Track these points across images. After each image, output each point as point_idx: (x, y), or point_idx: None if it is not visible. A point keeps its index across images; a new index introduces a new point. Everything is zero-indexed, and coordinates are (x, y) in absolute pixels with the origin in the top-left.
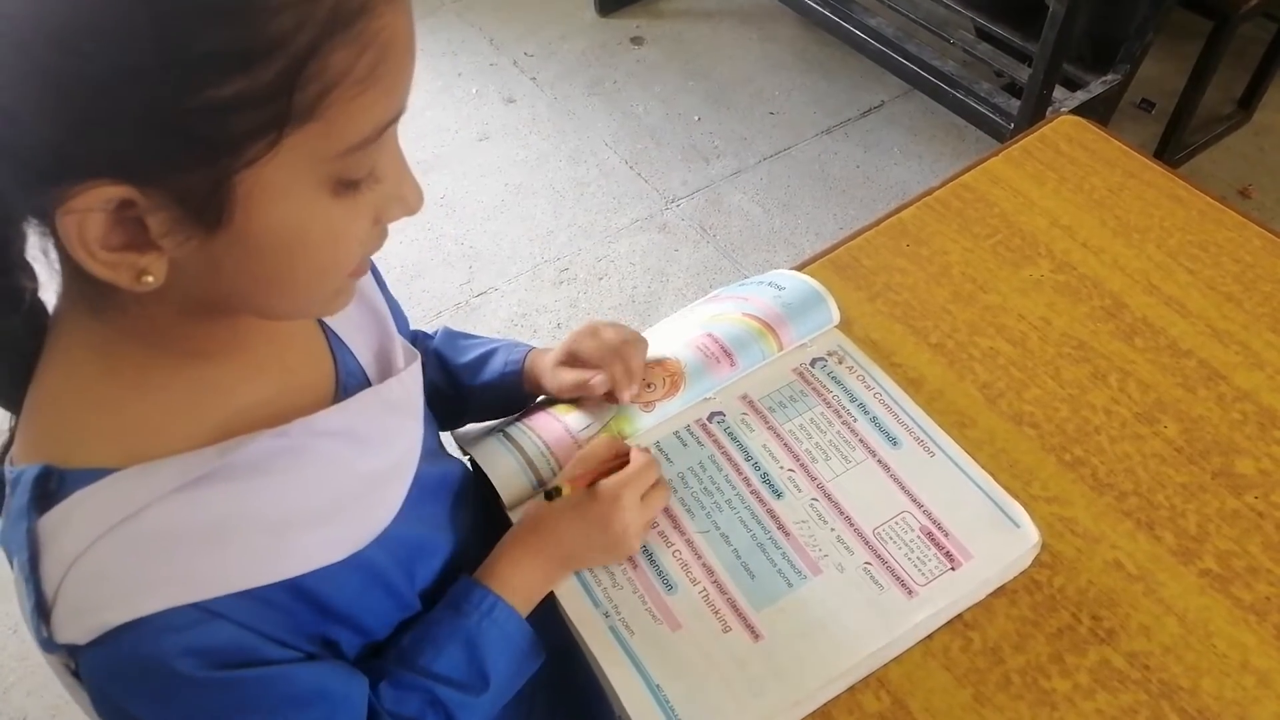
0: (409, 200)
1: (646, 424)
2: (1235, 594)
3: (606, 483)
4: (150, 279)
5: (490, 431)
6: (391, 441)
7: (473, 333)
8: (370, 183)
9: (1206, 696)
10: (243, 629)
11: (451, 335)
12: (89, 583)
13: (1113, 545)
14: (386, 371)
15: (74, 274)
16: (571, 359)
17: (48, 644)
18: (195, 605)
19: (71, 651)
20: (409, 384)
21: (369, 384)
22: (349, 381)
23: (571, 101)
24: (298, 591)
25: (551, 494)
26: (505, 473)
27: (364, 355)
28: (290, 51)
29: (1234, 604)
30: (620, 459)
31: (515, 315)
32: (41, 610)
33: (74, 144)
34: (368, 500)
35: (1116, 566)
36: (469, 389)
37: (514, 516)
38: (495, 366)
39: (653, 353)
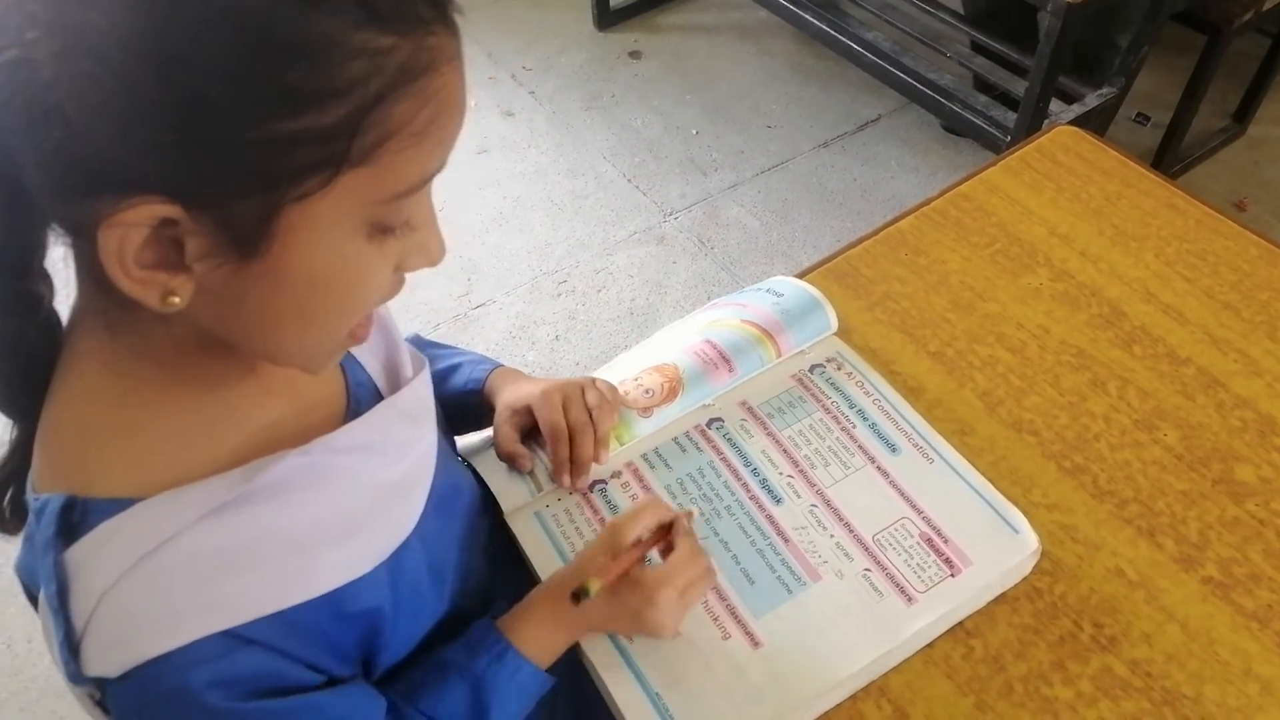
0: (432, 251)
1: (645, 430)
2: (1237, 601)
3: (646, 575)
4: (177, 300)
5: (489, 441)
6: (409, 450)
7: (440, 342)
8: (404, 230)
9: (1210, 704)
10: (271, 653)
11: (419, 344)
12: (120, 617)
13: (1114, 552)
14: (395, 381)
15: (95, 290)
16: (528, 414)
17: (76, 677)
18: (226, 633)
19: (99, 683)
20: (420, 392)
21: (379, 395)
22: (360, 393)
23: (570, 115)
24: (327, 607)
25: (579, 594)
26: (504, 480)
27: (372, 366)
28: (358, 97)
29: (1236, 611)
30: (661, 532)
31: (513, 327)
32: (70, 643)
33: (135, 159)
34: (390, 510)
35: (1118, 574)
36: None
37: (513, 524)
38: (457, 382)
39: (651, 359)
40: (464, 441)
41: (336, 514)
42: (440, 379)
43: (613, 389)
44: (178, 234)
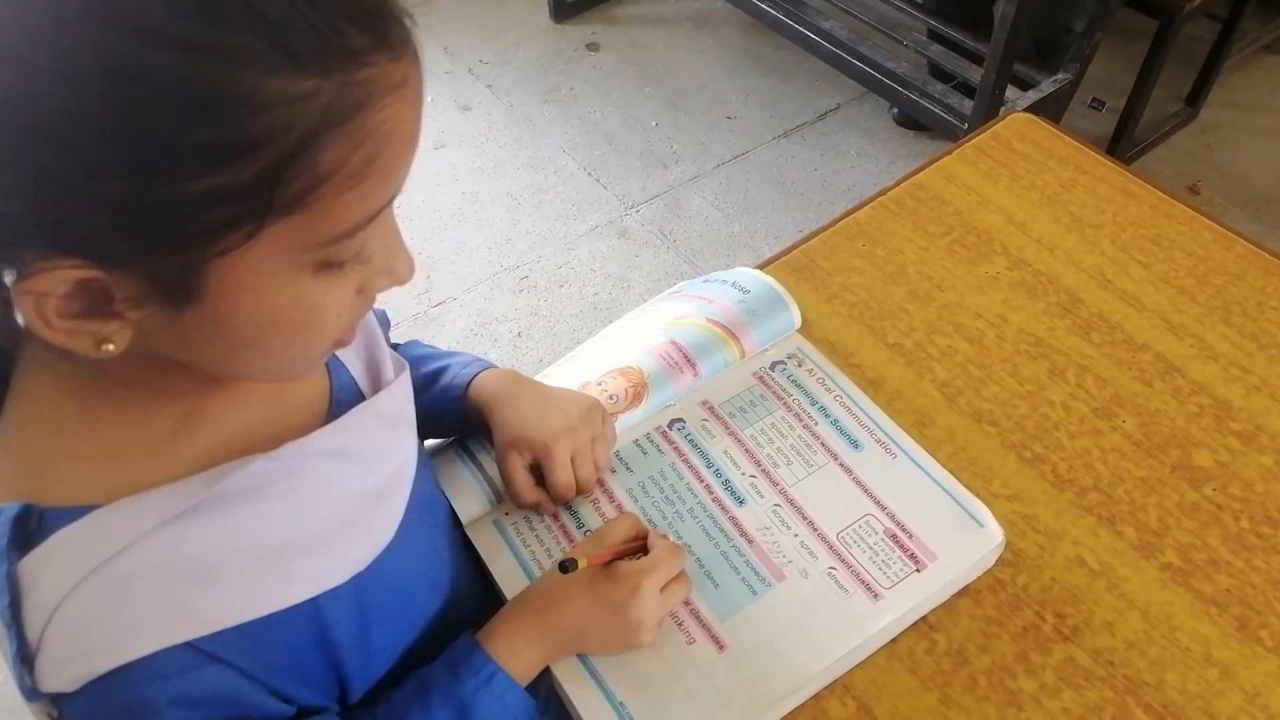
0: (399, 273)
1: None
2: (1196, 587)
3: (628, 567)
4: (111, 347)
5: (449, 444)
6: (387, 456)
7: (435, 347)
8: (355, 263)
9: (1171, 691)
10: (237, 674)
11: (411, 349)
12: (74, 628)
13: (1074, 541)
14: (376, 382)
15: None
16: (531, 457)
17: (30, 693)
18: (189, 646)
19: (55, 700)
20: (399, 395)
21: (362, 397)
22: (342, 396)
23: (528, 109)
24: (297, 622)
25: (567, 566)
26: (463, 489)
27: (355, 367)
28: (277, 148)
29: (1195, 597)
30: (638, 542)
31: (475, 325)
32: (24, 657)
33: (42, 221)
34: (367, 518)
35: (1079, 563)
36: (416, 403)
37: (472, 535)
38: (439, 386)
39: (615, 361)
40: (425, 445)
41: (310, 521)
42: (425, 384)
43: (613, 428)
44: (103, 286)
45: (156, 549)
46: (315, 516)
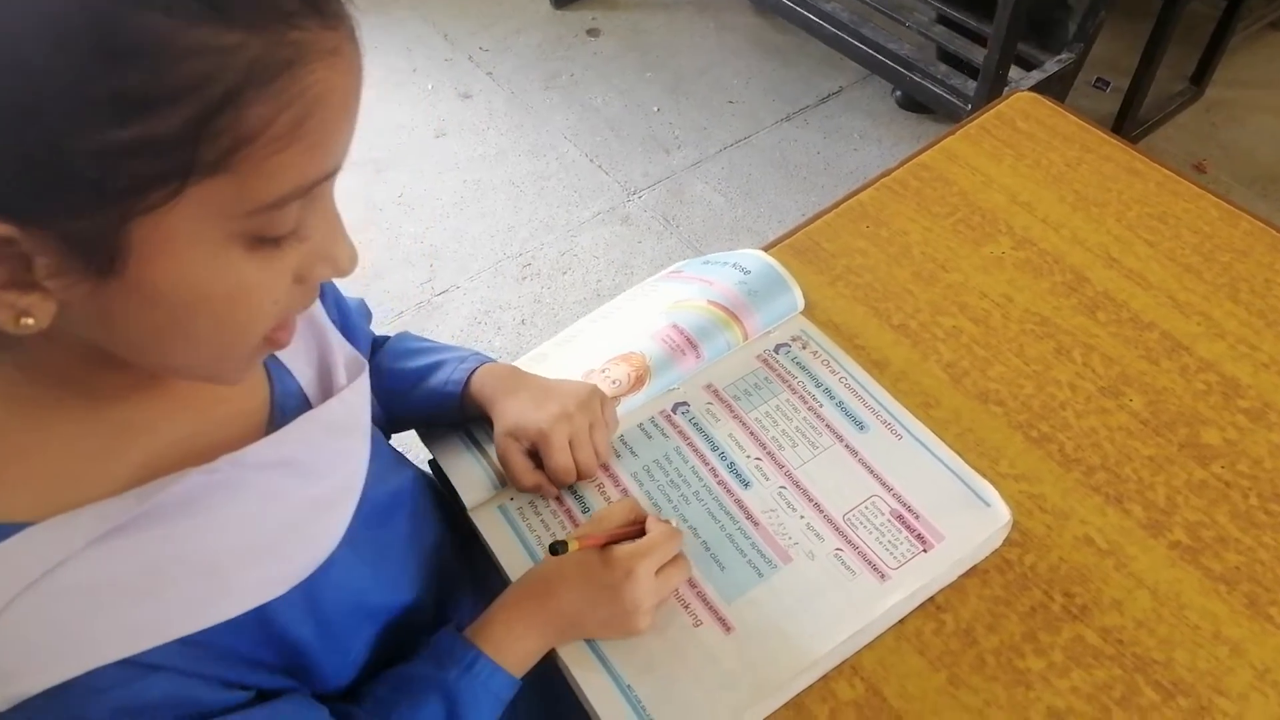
0: (339, 261)
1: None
2: (1205, 564)
3: (622, 550)
4: (31, 321)
5: (454, 429)
6: (334, 466)
7: (429, 340)
8: (293, 241)
9: (1180, 669)
10: (181, 676)
11: (403, 342)
12: (6, 648)
13: (1082, 520)
14: (328, 389)
15: None
16: (529, 444)
17: None
18: (125, 661)
19: None
20: (351, 402)
21: (308, 404)
22: (287, 403)
23: (529, 95)
24: (238, 629)
25: (557, 548)
26: (467, 474)
27: (304, 374)
28: (199, 100)
29: (1204, 575)
30: (636, 525)
31: (478, 313)
32: None
33: None
34: (309, 530)
35: (1087, 542)
36: (408, 401)
37: (477, 520)
38: (435, 382)
39: (617, 346)
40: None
41: (248, 535)
42: (417, 378)
43: (614, 412)
44: (21, 250)
45: (87, 567)
46: (254, 529)
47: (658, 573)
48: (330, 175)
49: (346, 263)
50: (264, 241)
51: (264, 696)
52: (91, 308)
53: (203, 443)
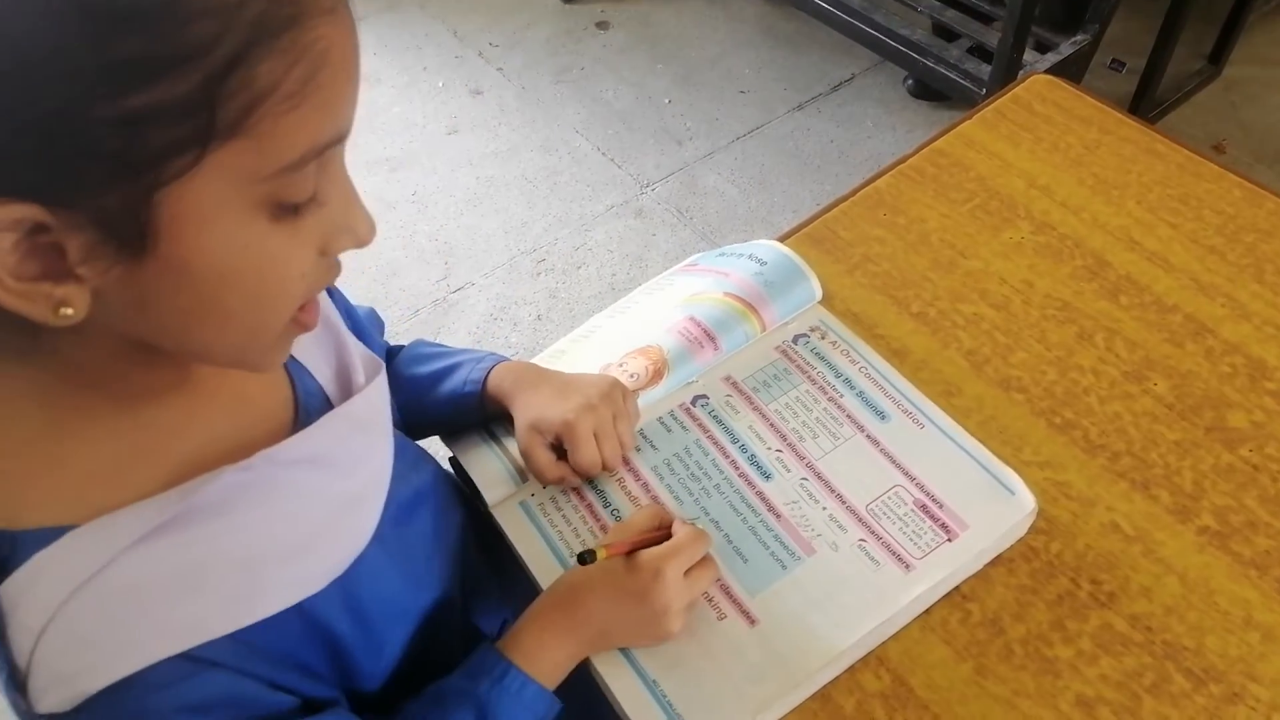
0: (358, 231)
1: None
2: (1235, 549)
3: (648, 554)
4: (69, 311)
5: (473, 429)
6: (362, 462)
7: (444, 345)
8: (313, 208)
9: (1211, 655)
10: (237, 675)
11: (418, 348)
12: (64, 649)
13: (1108, 507)
14: (347, 388)
15: None
16: (553, 437)
17: (27, 715)
18: (183, 656)
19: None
20: (373, 399)
21: (330, 404)
22: (309, 403)
23: (539, 90)
24: (284, 627)
25: (585, 557)
26: (487, 470)
27: (322, 373)
28: (211, 60)
29: (1234, 560)
30: (663, 530)
31: (494, 309)
32: (16, 682)
33: None
34: (341, 526)
35: (1113, 529)
36: (426, 405)
37: (499, 517)
38: (453, 383)
39: (634, 340)
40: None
41: (284, 531)
42: (434, 381)
43: (636, 405)
44: (55, 239)
45: (135, 566)
46: (289, 525)
47: (686, 574)
48: (341, 138)
49: (366, 231)
50: (285, 210)
51: (308, 708)
52: (126, 294)
53: (232, 443)
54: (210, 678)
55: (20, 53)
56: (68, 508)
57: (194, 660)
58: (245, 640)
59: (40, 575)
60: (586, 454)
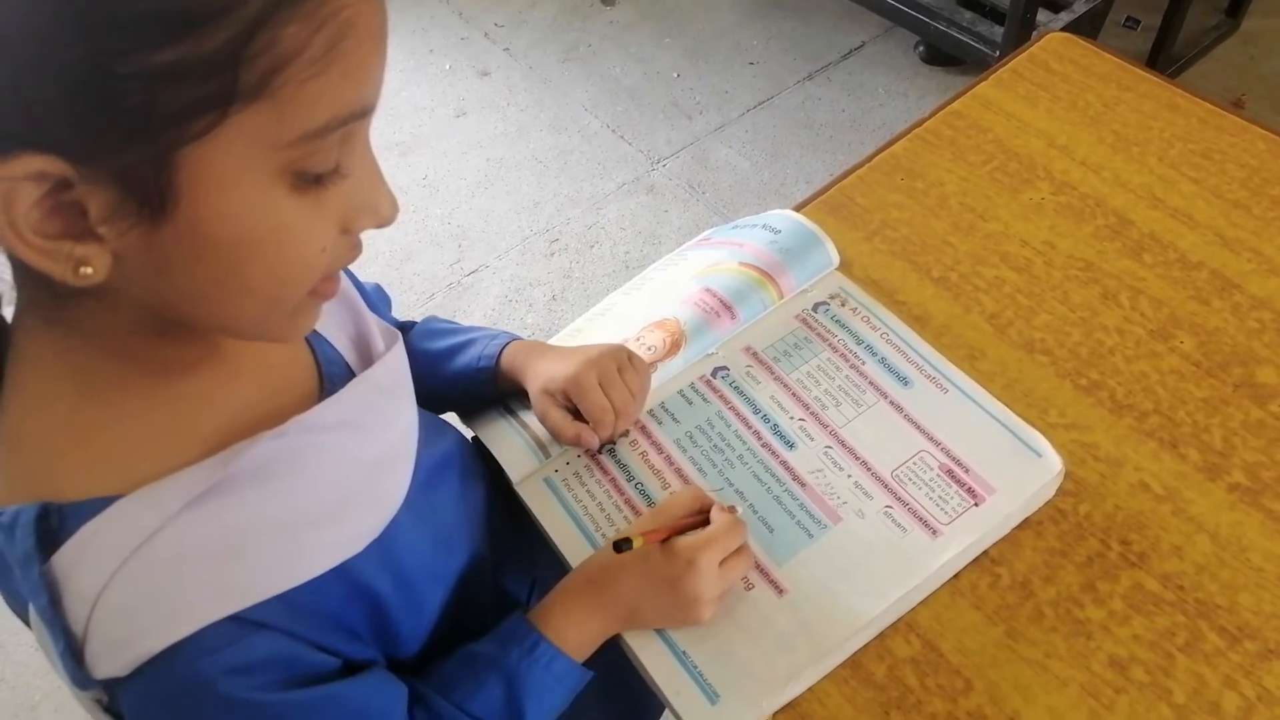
0: (381, 209)
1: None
2: (1267, 505)
3: (683, 541)
4: (89, 270)
5: (494, 406)
6: (389, 425)
7: (457, 322)
8: (335, 180)
9: (1245, 612)
10: (284, 636)
11: (430, 324)
12: (119, 616)
13: (1137, 467)
14: (366, 356)
15: (24, 282)
16: (565, 396)
17: (83, 682)
18: (233, 618)
19: (107, 686)
20: (394, 365)
21: (352, 372)
22: (332, 371)
23: (547, 69)
24: (327, 588)
25: (621, 545)
26: (509, 447)
27: (341, 343)
28: (237, 20)
29: (1266, 516)
30: (701, 515)
31: (509, 291)
32: (74, 651)
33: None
34: (375, 488)
35: (1143, 488)
36: (440, 379)
37: (523, 493)
38: (468, 359)
39: (651, 315)
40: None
41: (320, 495)
42: (448, 356)
43: (644, 364)
44: (76, 196)
45: (182, 532)
46: (324, 490)
47: (721, 564)
48: (366, 112)
49: (389, 210)
50: (307, 180)
51: (349, 669)
52: (146, 258)
53: (261, 411)
54: (258, 640)
55: (49, 3)
56: (110, 479)
57: (242, 623)
58: (291, 602)
59: (91, 545)
60: (594, 399)
